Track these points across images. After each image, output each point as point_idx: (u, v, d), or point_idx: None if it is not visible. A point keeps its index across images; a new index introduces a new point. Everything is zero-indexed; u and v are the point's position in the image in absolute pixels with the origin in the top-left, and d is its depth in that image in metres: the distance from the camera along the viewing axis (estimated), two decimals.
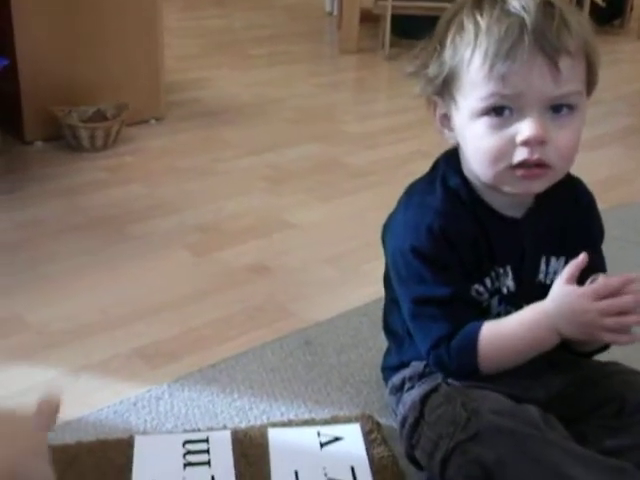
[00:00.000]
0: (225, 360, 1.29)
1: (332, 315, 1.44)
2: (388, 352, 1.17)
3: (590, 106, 0.99)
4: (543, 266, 1.04)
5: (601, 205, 1.11)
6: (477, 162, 0.97)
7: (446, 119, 1.01)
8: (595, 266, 0.99)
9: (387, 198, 1.12)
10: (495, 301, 1.03)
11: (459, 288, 0.99)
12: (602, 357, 1.07)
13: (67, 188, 1.94)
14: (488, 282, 1.02)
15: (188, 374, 1.26)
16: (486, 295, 1.02)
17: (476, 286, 1.01)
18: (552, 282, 0.99)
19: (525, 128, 0.92)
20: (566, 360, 1.03)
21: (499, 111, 0.93)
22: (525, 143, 0.92)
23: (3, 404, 1.16)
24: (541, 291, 1.00)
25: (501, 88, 0.92)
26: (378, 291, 1.18)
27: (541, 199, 1.02)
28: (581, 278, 0.95)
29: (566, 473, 0.86)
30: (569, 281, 0.94)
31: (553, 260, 1.04)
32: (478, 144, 0.95)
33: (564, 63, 0.91)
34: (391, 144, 2.34)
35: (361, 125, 2.55)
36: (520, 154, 0.93)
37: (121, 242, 1.70)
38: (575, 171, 1.05)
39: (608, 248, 1.10)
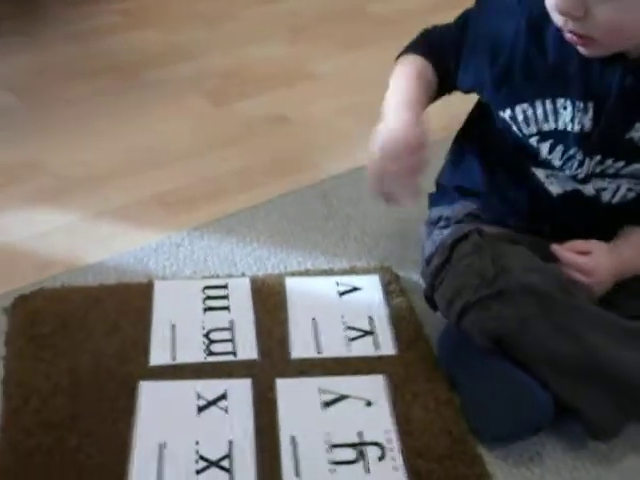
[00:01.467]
0: (244, 210, 1.29)
1: (350, 167, 1.41)
2: (445, 168, 1.12)
3: None
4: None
5: None
6: None
7: None
8: None
9: None
10: (546, 147, 0.94)
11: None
12: None
13: (81, 32, 1.87)
14: (539, 109, 0.93)
15: (208, 223, 1.25)
16: (533, 127, 0.94)
17: (524, 106, 0.94)
18: None
19: None
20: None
21: None
22: (559, 11, 0.84)
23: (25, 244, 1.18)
24: (630, 151, 0.92)
25: None
26: None
27: None
28: None
29: (587, 338, 0.86)
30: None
31: None
32: None
33: None
34: None
35: None
36: (558, 19, 0.86)
37: (138, 88, 1.66)
38: None
39: None
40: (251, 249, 1.20)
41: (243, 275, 1.14)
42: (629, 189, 0.96)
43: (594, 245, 0.94)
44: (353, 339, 1.03)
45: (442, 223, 1.04)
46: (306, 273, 1.15)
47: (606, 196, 0.96)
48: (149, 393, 0.93)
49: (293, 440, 0.89)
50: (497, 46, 0.94)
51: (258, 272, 1.16)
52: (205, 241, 1.21)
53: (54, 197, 1.29)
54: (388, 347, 1.02)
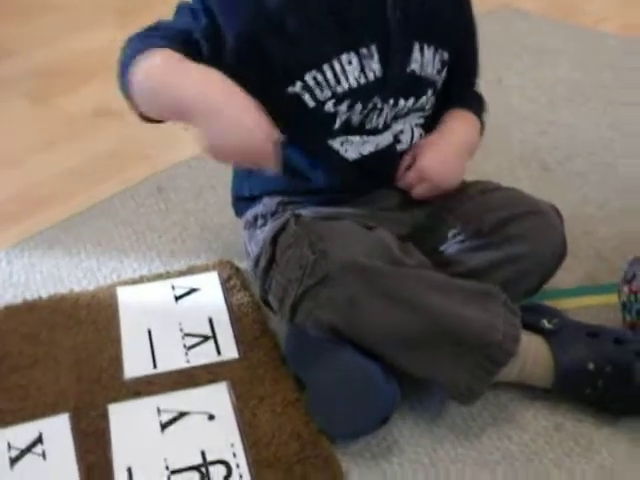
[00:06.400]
0: (69, 218, 1.18)
1: (187, 157, 1.32)
2: (235, 179, 1.05)
3: None
4: (417, 54, 0.91)
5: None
6: None
7: None
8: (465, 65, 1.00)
9: None
10: (343, 109, 0.89)
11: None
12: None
13: None
14: (329, 72, 0.88)
15: (28, 238, 1.14)
16: (327, 92, 0.88)
17: (314, 73, 0.87)
18: (426, 75, 0.92)
19: None
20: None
21: None
22: None
23: None
24: (415, 84, 0.92)
25: None
26: None
27: None
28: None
29: (424, 303, 0.81)
30: None
31: (426, 48, 0.91)
32: None
33: None
34: None
35: None
36: None
37: None
38: None
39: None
40: (78, 261, 1.10)
41: (71, 291, 1.04)
42: (416, 125, 0.97)
43: (415, 150, 0.95)
44: (192, 347, 0.94)
45: (260, 221, 0.97)
46: (140, 280, 1.06)
47: (404, 139, 0.95)
48: None
49: (130, 472, 0.80)
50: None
51: (88, 286, 1.06)
52: (26, 259, 1.10)
53: None
54: (230, 350, 0.94)
